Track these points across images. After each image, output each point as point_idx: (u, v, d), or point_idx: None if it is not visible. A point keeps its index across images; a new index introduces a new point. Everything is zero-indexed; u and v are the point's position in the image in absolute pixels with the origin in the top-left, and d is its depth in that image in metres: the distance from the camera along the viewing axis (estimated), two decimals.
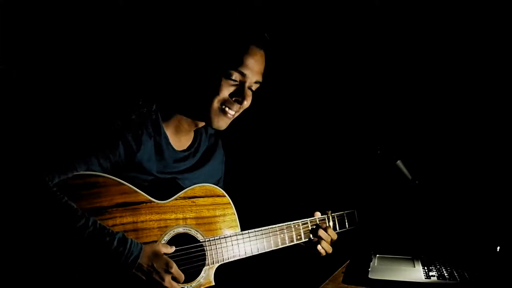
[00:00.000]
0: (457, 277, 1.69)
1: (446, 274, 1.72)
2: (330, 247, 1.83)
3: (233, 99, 1.55)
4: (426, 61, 2.20)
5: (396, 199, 2.05)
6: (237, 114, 1.61)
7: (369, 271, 1.77)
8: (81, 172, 1.39)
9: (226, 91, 1.54)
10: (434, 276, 1.71)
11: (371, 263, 1.88)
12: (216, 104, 1.55)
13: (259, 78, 1.58)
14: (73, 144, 1.44)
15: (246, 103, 1.57)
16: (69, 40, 2.07)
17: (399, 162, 1.97)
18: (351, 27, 2.28)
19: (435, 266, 1.80)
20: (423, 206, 2.01)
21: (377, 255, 1.99)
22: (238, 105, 1.57)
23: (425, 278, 1.70)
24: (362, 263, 1.90)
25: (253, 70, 1.54)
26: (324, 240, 1.80)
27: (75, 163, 1.39)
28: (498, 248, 1.81)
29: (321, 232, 1.80)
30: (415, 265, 1.85)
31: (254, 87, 1.59)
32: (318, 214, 1.88)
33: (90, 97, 2.04)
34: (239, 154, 2.26)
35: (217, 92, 1.53)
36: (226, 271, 1.69)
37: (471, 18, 2.09)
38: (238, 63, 1.52)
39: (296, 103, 2.39)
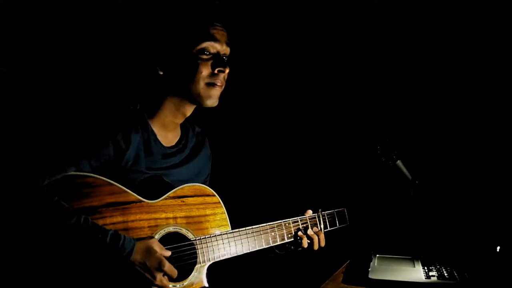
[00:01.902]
0: (457, 277, 1.69)
1: (446, 274, 1.72)
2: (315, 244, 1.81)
3: (216, 70, 1.59)
4: (426, 61, 2.20)
5: (396, 199, 2.05)
6: (223, 86, 1.65)
7: (369, 271, 1.77)
8: (71, 173, 1.39)
9: (206, 67, 1.58)
10: (434, 276, 1.71)
11: (371, 263, 1.88)
12: (202, 83, 1.59)
13: (228, 44, 1.63)
14: (63, 146, 1.44)
15: (227, 71, 1.62)
16: (49, 43, 2.07)
17: (399, 162, 1.97)
18: (351, 27, 2.28)
19: (435, 266, 1.80)
20: (423, 206, 2.01)
21: (377, 255, 1.99)
22: (222, 75, 1.61)
23: (425, 278, 1.70)
24: (362, 263, 1.90)
25: (220, 37, 1.60)
26: (309, 239, 1.79)
27: (65, 164, 1.39)
28: (498, 248, 1.81)
29: (309, 232, 1.80)
30: (415, 265, 1.85)
31: (226, 57, 1.64)
32: (310, 213, 1.86)
33: (77, 98, 2.04)
34: (230, 152, 2.26)
35: (198, 71, 1.57)
36: (224, 270, 1.69)
37: (471, 18, 2.09)
38: (205, 36, 1.57)
39: (296, 103, 2.39)
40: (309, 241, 1.79)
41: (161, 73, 1.59)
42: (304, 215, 1.84)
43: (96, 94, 2.07)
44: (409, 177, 1.98)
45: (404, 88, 2.25)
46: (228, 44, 1.62)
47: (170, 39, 1.58)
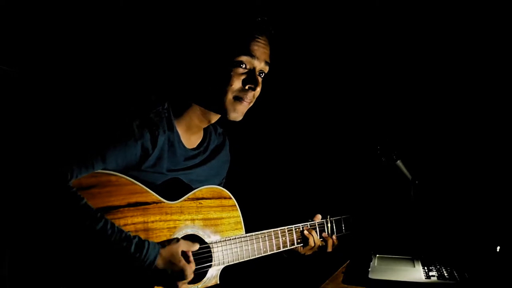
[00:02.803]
0: (457, 277, 1.69)
1: (446, 274, 1.72)
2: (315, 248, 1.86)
3: (246, 87, 1.56)
4: (426, 61, 2.20)
5: (396, 199, 2.05)
6: (251, 103, 1.62)
7: (369, 271, 1.77)
8: (97, 171, 1.39)
9: (238, 81, 1.55)
10: (434, 276, 1.71)
11: (371, 263, 1.88)
12: (230, 95, 1.56)
13: (267, 63, 1.59)
14: (93, 143, 1.42)
15: (259, 89, 1.58)
16: (85, 41, 2.09)
17: (399, 162, 1.97)
18: (351, 27, 2.28)
19: (435, 266, 1.80)
20: (423, 206, 2.01)
21: (377, 255, 1.99)
22: (252, 92, 1.57)
23: (425, 278, 1.70)
24: (362, 263, 1.90)
25: (260, 55, 1.56)
26: (315, 242, 1.84)
27: (94, 162, 1.37)
28: (498, 248, 1.81)
29: (324, 236, 1.87)
30: (415, 265, 1.85)
31: (263, 73, 1.61)
32: (319, 217, 1.91)
33: (108, 96, 2.05)
34: (244, 156, 2.26)
35: (229, 83, 1.54)
36: (224, 270, 1.70)
37: (471, 18, 2.09)
38: (245, 50, 1.53)
39: (296, 103, 2.39)
40: (315, 243, 1.83)
41: (194, 74, 1.56)
42: (313, 220, 1.88)
43: (125, 92, 2.07)
44: (409, 177, 1.98)
45: (404, 89, 2.25)
46: (267, 63, 1.59)
47: (210, 44, 1.55)
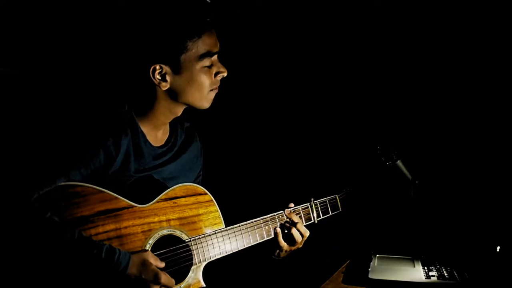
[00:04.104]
0: (457, 277, 1.69)
1: (446, 274, 1.72)
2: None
3: (218, 76, 1.59)
4: (426, 61, 2.20)
5: (396, 199, 2.05)
6: None
7: (369, 271, 1.77)
8: (60, 184, 1.37)
9: (210, 76, 1.58)
10: (434, 276, 1.71)
11: (371, 263, 1.88)
12: (206, 91, 1.58)
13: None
14: (52, 157, 1.41)
15: (226, 72, 1.61)
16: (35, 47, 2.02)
17: (399, 162, 1.97)
18: (351, 27, 2.28)
19: (435, 266, 1.80)
20: (423, 206, 2.01)
21: (377, 255, 1.99)
22: (221, 77, 1.61)
23: (425, 278, 1.70)
24: (362, 263, 1.90)
25: (216, 46, 1.58)
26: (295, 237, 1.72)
27: (56, 177, 1.37)
28: (498, 248, 1.81)
29: (293, 231, 1.71)
30: (415, 265, 1.85)
31: None
32: (292, 205, 1.80)
33: (64, 105, 1.98)
34: (220, 147, 2.24)
35: (204, 82, 1.56)
36: (223, 271, 1.69)
37: (471, 18, 2.09)
38: (203, 55, 1.54)
39: (296, 102, 2.39)
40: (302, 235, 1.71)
41: (165, 88, 1.54)
42: (297, 206, 1.79)
43: (80, 96, 2.02)
44: (409, 177, 1.98)
45: (404, 88, 2.25)
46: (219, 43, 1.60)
47: (171, 58, 1.52)
